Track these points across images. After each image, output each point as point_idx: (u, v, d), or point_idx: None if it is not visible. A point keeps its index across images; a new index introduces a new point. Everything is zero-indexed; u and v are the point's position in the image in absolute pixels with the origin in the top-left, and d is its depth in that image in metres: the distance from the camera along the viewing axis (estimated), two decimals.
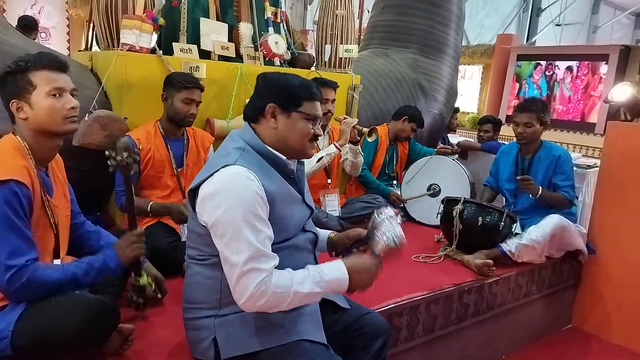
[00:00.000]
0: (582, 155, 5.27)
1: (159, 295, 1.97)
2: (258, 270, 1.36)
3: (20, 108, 1.49)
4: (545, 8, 13.01)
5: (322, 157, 2.89)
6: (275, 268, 1.41)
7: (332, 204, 3.19)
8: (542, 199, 2.89)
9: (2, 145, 1.50)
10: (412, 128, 3.68)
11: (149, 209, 2.37)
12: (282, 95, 1.51)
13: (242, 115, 2.91)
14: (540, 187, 2.87)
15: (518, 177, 2.88)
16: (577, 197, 3.98)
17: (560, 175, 2.94)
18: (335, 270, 1.47)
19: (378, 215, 1.64)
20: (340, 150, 2.98)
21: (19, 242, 1.39)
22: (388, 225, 1.56)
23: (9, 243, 1.37)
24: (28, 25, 4.94)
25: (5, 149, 1.48)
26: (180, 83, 2.41)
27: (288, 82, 1.52)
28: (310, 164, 2.80)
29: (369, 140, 3.09)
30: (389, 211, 1.65)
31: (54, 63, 1.52)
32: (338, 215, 3.15)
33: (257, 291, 1.35)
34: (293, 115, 1.51)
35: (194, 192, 1.47)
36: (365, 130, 2.98)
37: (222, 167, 1.42)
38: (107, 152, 1.64)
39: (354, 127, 2.99)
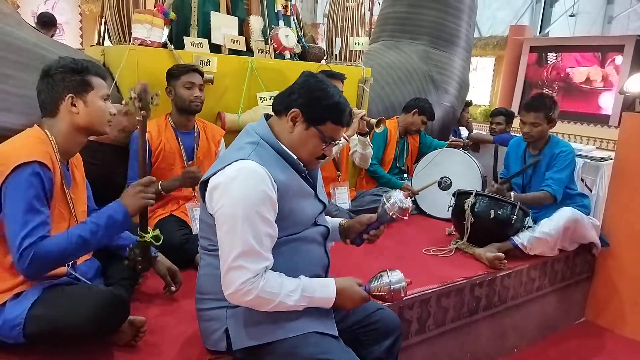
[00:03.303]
0: (596, 148, 5.20)
1: (173, 288, 1.99)
2: (245, 269, 1.37)
3: (74, 103, 1.59)
4: None
5: None
6: (270, 269, 1.41)
7: (342, 197, 3.19)
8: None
9: (26, 135, 1.57)
10: (423, 121, 3.66)
11: (159, 187, 2.39)
12: (312, 106, 1.48)
13: (253, 109, 2.95)
14: (513, 193, 2.85)
15: (497, 186, 2.88)
16: (590, 190, 3.96)
17: (552, 169, 2.87)
18: (325, 291, 1.49)
19: (387, 200, 1.65)
20: (348, 141, 2.96)
21: (35, 223, 1.43)
22: (395, 277, 1.57)
23: (26, 223, 1.42)
24: (47, 22, 5.07)
25: (30, 137, 1.55)
26: (177, 70, 2.48)
27: (325, 97, 1.48)
28: None
29: (377, 131, 3.07)
30: (398, 194, 1.65)
31: (104, 72, 1.69)
32: (348, 208, 3.15)
33: (243, 289, 1.37)
34: (311, 129, 1.50)
35: (205, 184, 1.48)
36: (373, 120, 2.96)
37: (235, 161, 1.43)
38: (131, 95, 1.65)
39: (361, 118, 2.97)
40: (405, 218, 1.66)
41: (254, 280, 1.37)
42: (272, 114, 1.58)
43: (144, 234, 1.76)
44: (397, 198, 1.64)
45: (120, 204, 1.59)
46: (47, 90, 1.59)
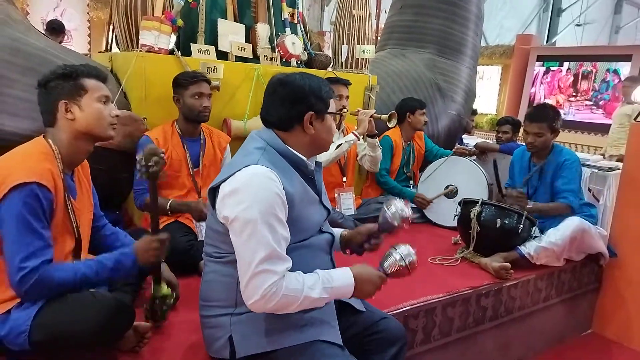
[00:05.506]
0: (604, 158, 5.17)
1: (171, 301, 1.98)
2: (271, 272, 1.36)
3: (68, 109, 1.55)
4: (565, 8, 12.81)
5: (341, 144, 2.85)
6: (288, 270, 1.41)
7: (347, 202, 3.18)
8: (538, 212, 2.81)
9: (29, 149, 1.54)
10: (419, 114, 3.57)
11: (168, 206, 2.40)
12: (316, 101, 1.51)
13: (259, 116, 2.95)
14: (531, 202, 2.81)
15: (517, 190, 2.82)
16: (598, 200, 3.92)
17: (561, 179, 2.85)
18: (343, 278, 1.47)
19: (388, 208, 1.64)
20: (359, 139, 2.95)
21: (35, 244, 1.41)
22: (404, 249, 1.56)
23: (25, 245, 1.40)
24: (56, 29, 5.17)
25: (32, 152, 1.52)
26: (185, 80, 2.47)
27: (317, 86, 1.52)
28: (328, 152, 2.78)
29: (389, 125, 3.03)
30: (399, 202, 1.65)
31: (101, 74, 1.64)
32: (353, 214, 3.14)
33: (268, 293, 1.35)
34: (326, 117, 1.55)
35: (214, 191, 1.48)
36: (384, 116, 2.94)
37: (244, 167, 1.42)
38: (137, 158, 1.61)
39: (371, 116, 2.97)
40: (406, 227, 1.64)
41: (278, 282, 1.36)
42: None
43: (158, 287, 1.78)
44: (398, 207, 1.64)
45: (132, 251, 1.58)
46: (43, 100, 1.57)
